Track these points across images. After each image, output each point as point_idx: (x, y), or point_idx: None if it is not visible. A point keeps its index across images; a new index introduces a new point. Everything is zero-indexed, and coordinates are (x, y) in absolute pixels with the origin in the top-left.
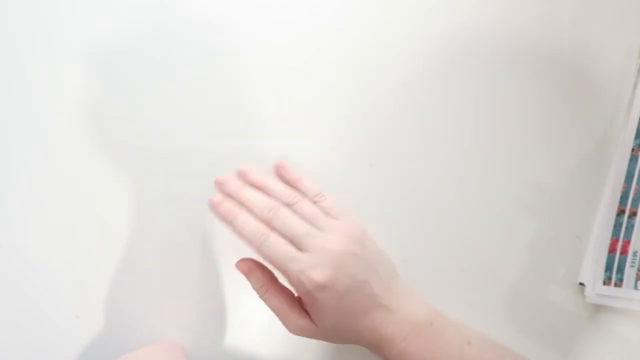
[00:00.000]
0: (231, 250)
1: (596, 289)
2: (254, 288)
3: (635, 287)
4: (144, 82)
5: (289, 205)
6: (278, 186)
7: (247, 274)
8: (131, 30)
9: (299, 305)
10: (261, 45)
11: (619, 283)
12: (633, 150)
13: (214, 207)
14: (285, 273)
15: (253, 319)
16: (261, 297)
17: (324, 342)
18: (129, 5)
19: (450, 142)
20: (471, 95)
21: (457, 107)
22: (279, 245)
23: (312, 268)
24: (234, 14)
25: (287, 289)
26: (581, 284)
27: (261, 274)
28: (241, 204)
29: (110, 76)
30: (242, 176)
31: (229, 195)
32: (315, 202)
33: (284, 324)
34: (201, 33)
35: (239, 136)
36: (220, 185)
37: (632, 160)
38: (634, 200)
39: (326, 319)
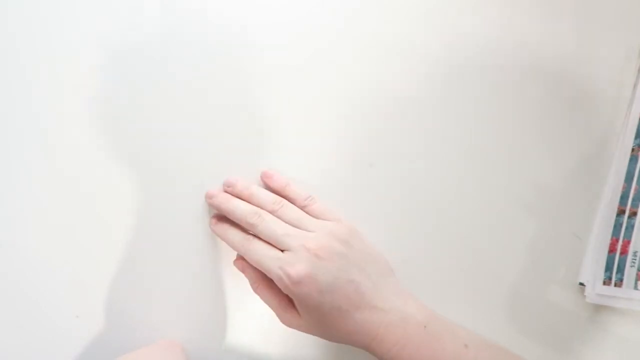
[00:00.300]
0: (231, 250)
1: (596, 289)
2: (250, 284)
3: (635, 287)
4: (144, 82)
5: (273, 212)
6: (263, 194)
7: (242, 271)
8: (131, 30)
9: (287, 300)
10: (261, 45)
11: (619, 283)
12: (633, 150)
13: (211, 228)
14: (267, 272)
15: (253, 319)
16: (254, 291)
17: (324, 342)
18: (129, 5)
19: (450, 142)
20: (471, 95)
21: (457, 107)
22: (260, 249)
23: (289, 264)
24: (233, 14)
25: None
26: (581, 284)
27: (252, 271)
28: (229, 214)
29: (110, 76)
30: (229, 188)
31: (218, 209)
32: (304, 206)
33: (277, 316)
34: (201, 33)
35: (238, 136)
36: (210, 199)
37: (632, 160)
38: (634, 200)
39: (309, 313)
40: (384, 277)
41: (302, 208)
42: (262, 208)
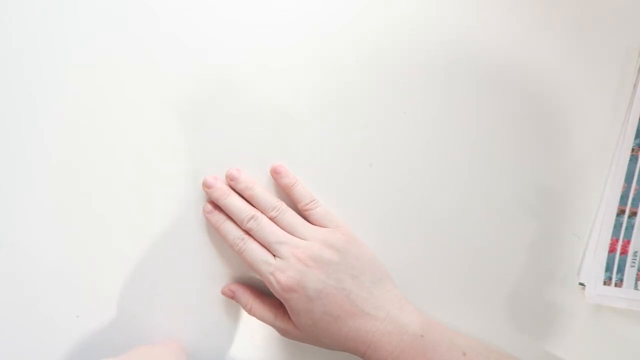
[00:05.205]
0: (233, 251)
1: (596, 289)
2: (243, 308)
3: (636, 287)
4: (144, 82)
5: (271, 218)
6: (263, 198)
7: (233, 298)
8: (130, 31)
9: (283, 312)
10: (261, 46)
11: (619, 283)
12: (633, 150)
13: (205, 214)
14: (259, 274)
15: (254, 320)
16: (248, 313)
17: (324, 350)
18: (128, 5)
19: (450, 141)
20: (471, 96)
21: (457, 107)
22: (254, 250)
23: (279, 271)
24: (233, 14)
25: (272, 300)
26: (581, 284)
27: (243, 294)
28: (226, 210)
29: (110, 76)
30: (232, 182)
31: (216, 201)
32: (306, 210)
33: (275, 329)
34: (202, 34)
35: (239, 136)
36: (208, 189)
37: (632, 160)
38: (634, 200)
39: (301, 320)
40: (381, 285)
41: (303, 211)
42: (260, 211)
